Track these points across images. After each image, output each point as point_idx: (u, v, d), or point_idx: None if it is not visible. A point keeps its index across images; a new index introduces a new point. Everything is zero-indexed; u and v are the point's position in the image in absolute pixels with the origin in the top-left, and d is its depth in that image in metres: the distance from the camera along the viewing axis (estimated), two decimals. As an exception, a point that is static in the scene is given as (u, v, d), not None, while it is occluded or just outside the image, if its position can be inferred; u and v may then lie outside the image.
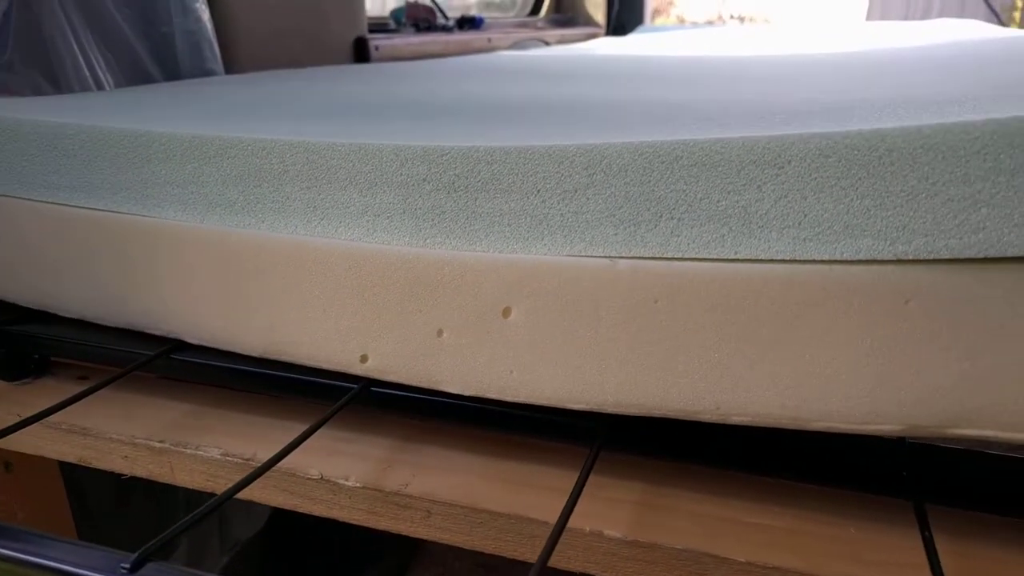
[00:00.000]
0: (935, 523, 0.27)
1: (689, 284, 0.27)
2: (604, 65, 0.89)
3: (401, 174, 0.30)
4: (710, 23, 4.68)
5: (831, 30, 1.55)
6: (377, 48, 0.96)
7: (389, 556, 1.01)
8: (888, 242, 0.24)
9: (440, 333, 0.31)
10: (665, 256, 0.27)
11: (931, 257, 0.24)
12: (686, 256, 0.27)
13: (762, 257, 0.26)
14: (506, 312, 0.30)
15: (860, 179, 0.24)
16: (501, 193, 0.29)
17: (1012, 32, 1.21)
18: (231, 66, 0.71)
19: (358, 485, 0.32)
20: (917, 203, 0.23)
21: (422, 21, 1.14)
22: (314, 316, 0.33)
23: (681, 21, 5.09)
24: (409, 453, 0.34)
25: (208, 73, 0.66)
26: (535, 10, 1.63)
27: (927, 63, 0.67)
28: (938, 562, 0.23)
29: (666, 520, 0.29)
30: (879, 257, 0.24)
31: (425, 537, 0.32)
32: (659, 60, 0.93)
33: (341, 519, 0.33)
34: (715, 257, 0.26)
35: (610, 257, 0.28)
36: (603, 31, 1.65)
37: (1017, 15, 4.37)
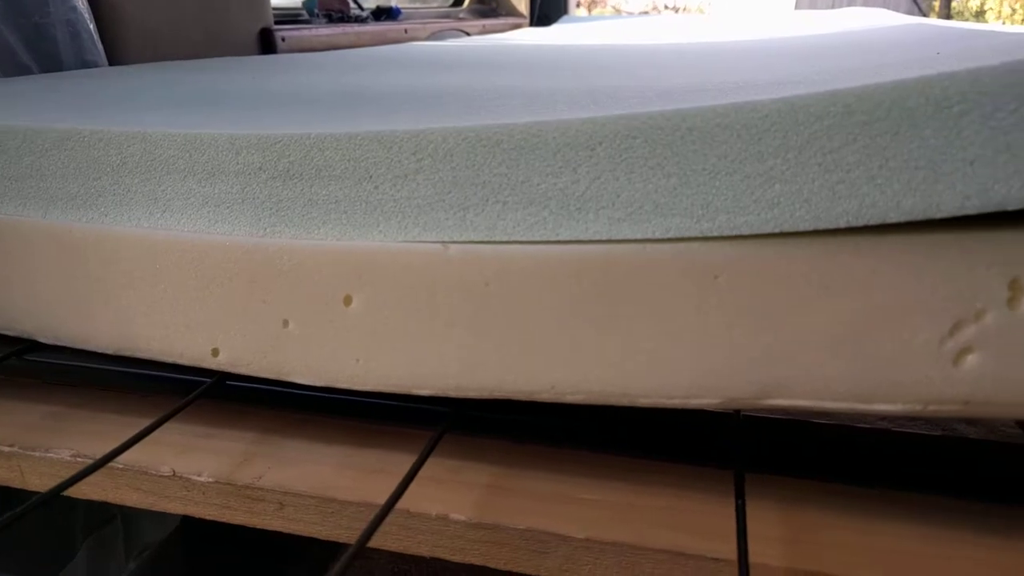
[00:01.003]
0: (773, 493, 0.29)
1: (517, 267, 0.27)
2: (511, 54, 0.89)
3: (237, 163, 0.30)
4: (645, 13, 4.74)
5: (754, 20, 1.58)
6: (284, 39, 0.94)
7: (311, 553, 1.00)
8: (694, 220, 0.25)
9: (286, 324, 0.31)
10: (493, 240, 0.27)
11: (733, 233, 0.24)
12: (513, 239, 0.27)
13: (581, 238, 0.26)
14: (347, 300, 0.30)
15: (665, 158, 0.25)
16: (335, 180, 0.29)
17: (913, 20, 1.26)
18: (119, 58, 0.69)
19: (211, 480, 0.32)
20: (717, 181, 0.24)
21: (335, 12, 1.12)
22: (163, 311, 0.33)
23: (617, 11, 5.15)
24: (268, 446, 0.34)
25: (88, 65, 0.64)
26: (458, 1, 1.62)
27: (809, 49, 0.69)
28: (744, 529, 0.24)
29: (512, 501, 0.30)
30: (687, 235, 0.25)
31: (281, 530, 0.32)
32: (566, 49, 0.94)
33: (196, 515, 0.33)
34: (539, 240, 0.27)
35: (442, 242, 0.28)
36: (527, 21, 1.65)
37: (936, 4, 4.54)
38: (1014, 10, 3.79)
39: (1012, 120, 0.21)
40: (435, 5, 1.61)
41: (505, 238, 0.27)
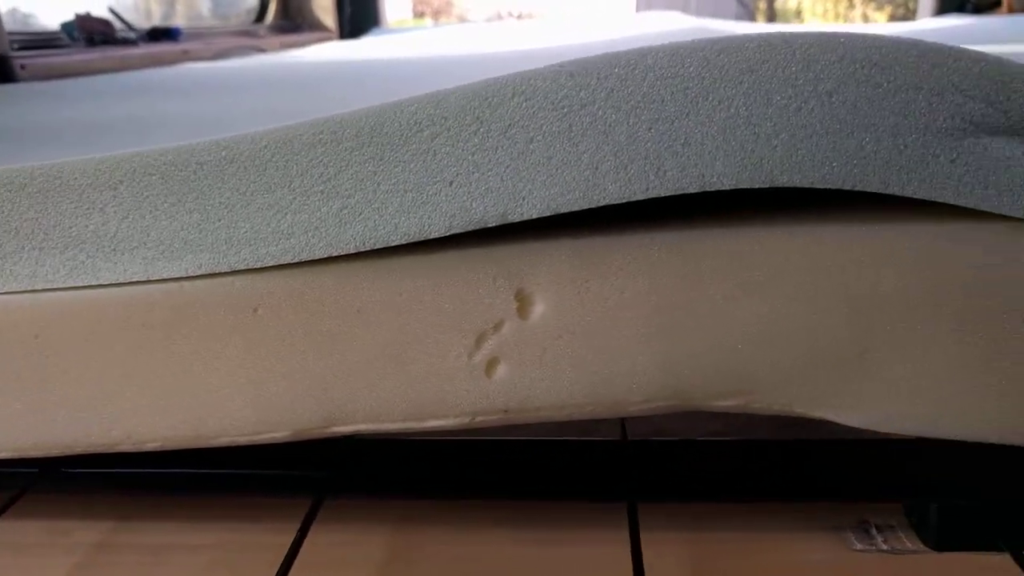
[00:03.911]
0: (392, 515, 0.29)
1: (62, 315, 0.26)
2: (270, 74, 0.88)
3: None
4: (489, 21, 4.83)
5: (575, 25, 1.64)
6: (24, 67, 0.89)
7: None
8: (221, 254, 0.25)
9: None
10: (35, 289, 0.26)
11: (259, 265, 0.25)
12: (55, 287, 0.26)
13: (121, 280, 0.26)
14: (-102, 365, 0.28)
15: (184, 194, 0.25)
16: None
17: (697, 24, 1.34)
18: None
19: None
20: (234, 214, 0.24)
21: (98, 34, 1.07)
22: None
23: (462, 20, 5.21)
24: None
25: None
26: (260, 17, 1.59)
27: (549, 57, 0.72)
28: (293, 556, 0.24)
29: (115, 557, 0.29)
30: (219, 270, 0.25)
31: None
32: (335, 66, 0.94)
33: None
34: (81, 285, 0.26)
35: (-15, 295, 0.27)
36: (335, 35, 1.64)
37: (763, 5, 4.90)
38: (826, 10, 4.14)
39: (476, 141, 0.23)
40: (233, 23, 1.57)
41: (48, 285, 0.26)
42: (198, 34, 1.34)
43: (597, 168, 0.22)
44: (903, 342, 0.24)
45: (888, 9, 3.92)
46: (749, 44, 0.21)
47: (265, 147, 0.24)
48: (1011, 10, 1.30)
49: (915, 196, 0.22)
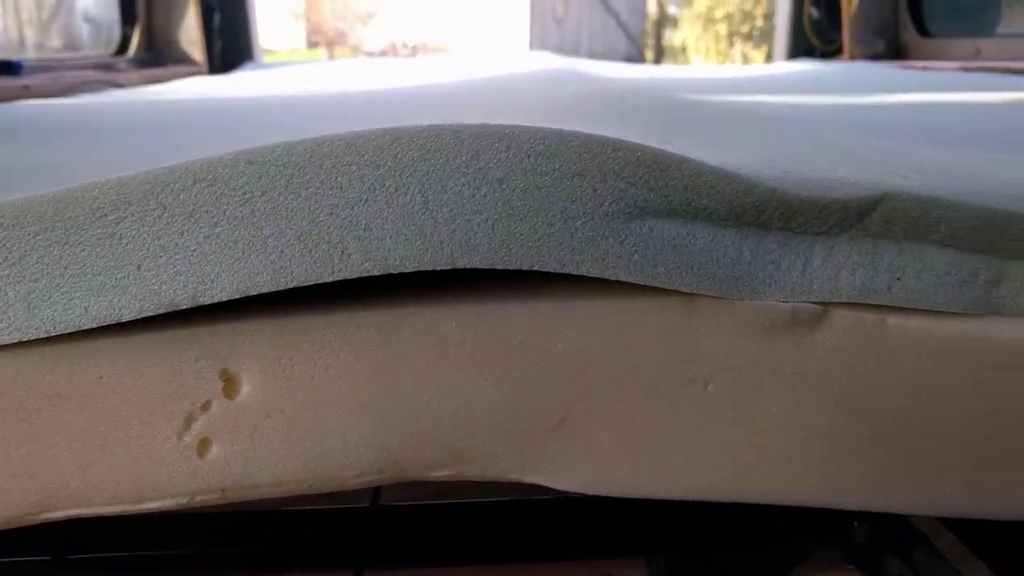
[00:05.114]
0: None
1: None
2: (105, 115, 0.86)
3: None
4: (383, 54, 4.86)
5: (464, 62, 1.66)
6: None
7: None
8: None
9: None
10: None
11: (-52, 350, 0.24)
12: None
13: None
14: None
15: None
16: None
17: (568, 64, 1.39)
18: None
19: None
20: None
21: (-78, 69, 1.01)
22: None
23: (355, 52, 5.22)
24: None
25: None
26: (121, 49, 1.54)
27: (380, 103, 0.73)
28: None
29: None
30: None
31: None
32: (186, 105, 0.92)
33: None
34: None
35: None
36: (204, 70, 1.61)
37: (651, 41, 5.11)
38: (708, 47, 4.38)
39: (161, 225, 0.23)
40: (89, 55, 1.52)
41: None
42: (46, 67, 1.29)
43: (283, 252, 0.23)
44: (599, 410, 0.26)
45: (765, 48, 4.18)
46: (420, 135, 0.23)
47: (-55, 228, 0.23)
48: (851, 57, 1.41)
49: (590, 275, 0.24)
